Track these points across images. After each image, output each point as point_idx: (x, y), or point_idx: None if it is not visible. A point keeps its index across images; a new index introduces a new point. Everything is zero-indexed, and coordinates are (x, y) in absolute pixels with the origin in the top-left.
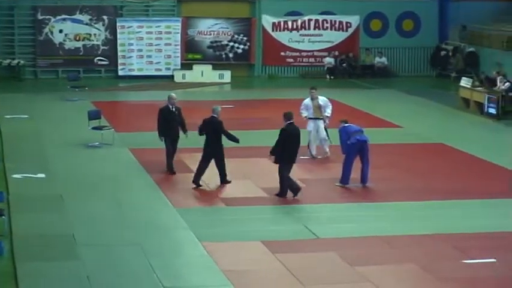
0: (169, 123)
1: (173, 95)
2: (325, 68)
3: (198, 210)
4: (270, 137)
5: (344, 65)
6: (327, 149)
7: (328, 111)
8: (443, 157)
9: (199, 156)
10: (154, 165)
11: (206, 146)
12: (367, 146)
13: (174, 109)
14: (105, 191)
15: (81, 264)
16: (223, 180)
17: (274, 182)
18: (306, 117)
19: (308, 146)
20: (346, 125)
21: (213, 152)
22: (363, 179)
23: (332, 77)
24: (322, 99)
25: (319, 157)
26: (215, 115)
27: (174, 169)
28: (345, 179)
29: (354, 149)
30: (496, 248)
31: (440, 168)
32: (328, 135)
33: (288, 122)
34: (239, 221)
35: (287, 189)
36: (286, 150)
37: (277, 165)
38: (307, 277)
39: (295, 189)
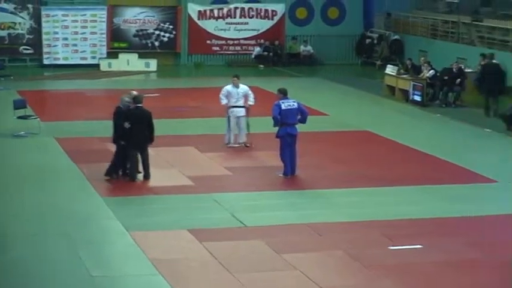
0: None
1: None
2: (253, 56)
3: (124, 199)
4: (196, 126)
5: (265, 53)
6: (245, 139)
7: (251, 100)
8: (370, 144)
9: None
10: (81, 155)
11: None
12: (296, 138)
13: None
14: (32, 181)
15: (9, 254)
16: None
17: (201, 171)
18: (226, 104)
19: (226, 133)
20: (282, 100)
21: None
22: (291, 169)
23: (262, 66)
24: (243, 88)
25: (235, 146)
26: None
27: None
28: (286, 170)
29: (285, 142)
30: (422, 234)
31: (367, 155)
32: (248, 125)
33: (136, 105)
34: (166, 210)
35: (134, 170)
36: (133, 132)
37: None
38: (234, 265)
39: (131, 174)
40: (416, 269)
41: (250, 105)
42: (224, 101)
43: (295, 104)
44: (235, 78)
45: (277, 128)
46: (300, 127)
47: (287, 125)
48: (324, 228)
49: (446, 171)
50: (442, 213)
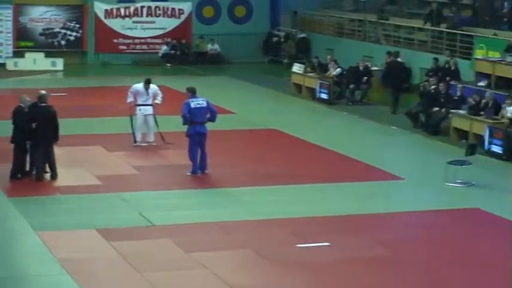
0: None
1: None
2: (160, 55)
3: (31, 199)
4: (104, 125)
5: (173, 52)
6: (152, 138)
7: (159, 99)
8: (277, 142)
9: None
10: None
11: None
12: (205, 136)
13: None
14: None
15: None
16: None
17: (108, 170)
18: (131, 102)
19: (133, 132)
20: (191, 99)
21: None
22: (201, 166)
23: (169, 65)
24: (153, 88)
25: (143, 144)
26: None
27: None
28: (194, 169)
29: (194, 141)
30: (330, 232)
31: (275, 153)
32: (156, 122)
33: (40, 103)
34: (74, 209)
35: (40, 170)
36: (38, 132)
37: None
38: (143, 264)
39: (38, 174)
40: (324, 266)
41: (157, 104)
42: (130, 99)
43: (205, 102)
44: (147, 85)
45: (186, 127)
46: (207, 125)
47: (196, 123)
48: (232, 226)
49: (354, 169)
50: (350, 211)
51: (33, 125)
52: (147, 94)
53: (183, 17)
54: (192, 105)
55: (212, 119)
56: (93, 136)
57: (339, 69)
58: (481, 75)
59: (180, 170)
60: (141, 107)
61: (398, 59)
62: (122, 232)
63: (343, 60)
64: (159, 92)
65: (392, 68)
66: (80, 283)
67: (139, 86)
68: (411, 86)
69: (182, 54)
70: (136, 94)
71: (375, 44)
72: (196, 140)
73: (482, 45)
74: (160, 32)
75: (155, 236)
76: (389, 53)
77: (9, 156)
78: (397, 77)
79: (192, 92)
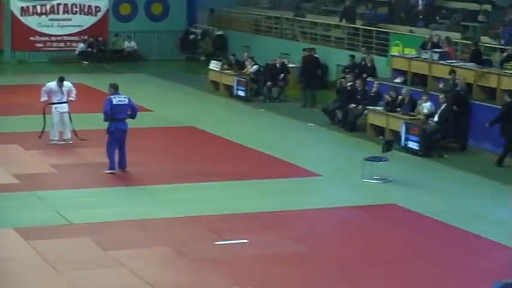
0: None
1: None
2: (77, 53)
3: None
4: (20, 123)
5: (89, 49)
6: (69, 135)
7: (73, 96)
8: (195, 140)
9: None
10: None
11: None
12: (126, 133)
13: None
14: None
15: None
16: None
17: (26, 168)
18: (45, 101)
19: (43, 130)
20: (113, 96)
21: None
22: (121, 164)
23: (86, 62)
24: (67, 85)
25: (60, 143)
26: None
27: None
28: (112, 165)
29: (115, 137)
30: (248, 228)
31: (192, 151)
32: (71, 120)
33: None
34: None
35: None
36: None
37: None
38: (60, 263)
39: None
40: (242, 263)
41: (71, 100)
42: (44, 98)
43: (126, 99)
44: (61, 82)
45: (106, 124)
46: (127, 122)
47: (117, 120)
48: (151, 224)
49: (272, 166)
50: (268, 208)
51: None
52: (61, 92)
53: (99, 14)
54: (114, 101)
55: (132, 116)
56: (9, 134)
57: (255, 66)
58: (397, 72)
59: (98, 168)
60: (57, 105)
61: (315, 55)
62: (39, 231)
63: (260, 58)
64: (73, 88)
65: (309, 63)
66: None
67: (52, 84)
68: (328, 83)
69: (99, 52)
70: (50, 93)
71: (292, 41)
72: (117, 136)
73: (398, 42)
74: (77, 29)
75: (73, 234)
76: (305, 49)
77: None
78: (313, 72)
79: (114, 89)
